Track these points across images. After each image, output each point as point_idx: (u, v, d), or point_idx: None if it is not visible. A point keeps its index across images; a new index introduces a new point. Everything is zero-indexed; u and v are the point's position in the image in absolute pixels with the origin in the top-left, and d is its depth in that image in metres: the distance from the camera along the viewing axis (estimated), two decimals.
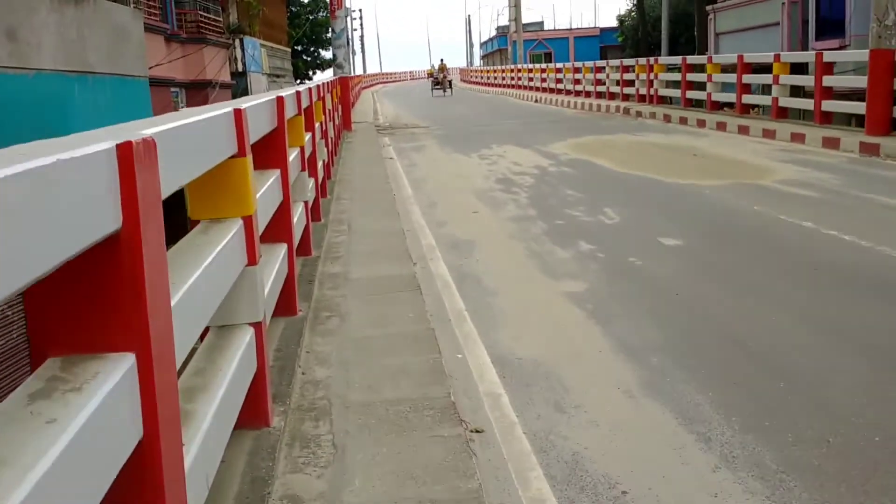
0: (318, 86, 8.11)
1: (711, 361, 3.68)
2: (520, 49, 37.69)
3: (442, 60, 35.96)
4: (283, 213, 3.86)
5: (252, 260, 2.61)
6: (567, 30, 54.90)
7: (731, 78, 16.05)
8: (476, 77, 50.66)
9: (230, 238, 2.36)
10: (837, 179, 8.59)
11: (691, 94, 17.57)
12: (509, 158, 11.75)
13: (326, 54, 41.93)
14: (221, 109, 2.48)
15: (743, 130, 13.71)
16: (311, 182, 6.13)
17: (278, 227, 3.79)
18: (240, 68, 19.03)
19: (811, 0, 18.47)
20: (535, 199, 8.24)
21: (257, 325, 2.62)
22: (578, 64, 26.19)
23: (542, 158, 11.52)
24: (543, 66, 32.34)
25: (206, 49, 16.25)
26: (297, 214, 4.87)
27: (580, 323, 4.33)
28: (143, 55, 9.94)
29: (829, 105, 12.71)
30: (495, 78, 42.16)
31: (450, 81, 36.03)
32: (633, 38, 46.98)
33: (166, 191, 1.56)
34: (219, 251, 2.19)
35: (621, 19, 50.21)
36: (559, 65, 29.30)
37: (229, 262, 2.36)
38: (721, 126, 14.58)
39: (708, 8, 23.76)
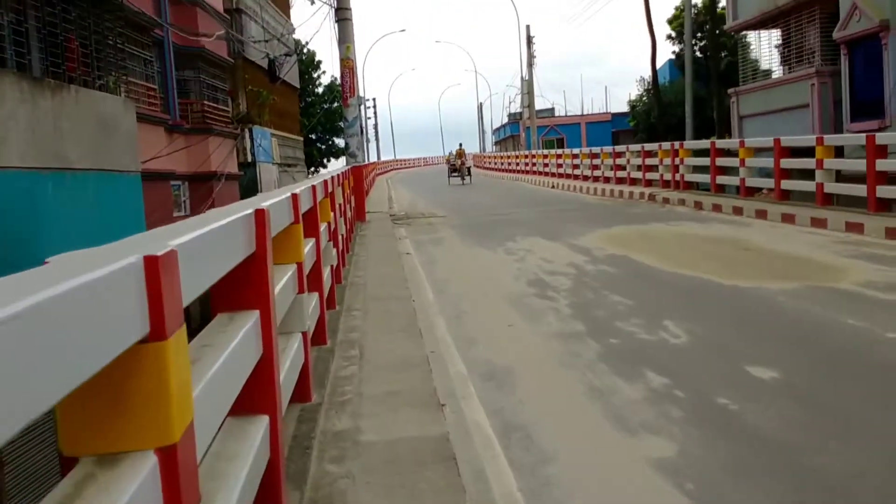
0: (324, 181, 7.11)
1: None
2: (533, 134, 37.38)
3: (461, 145, 33.58)
4: (263, 372, 2.73)
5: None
6: (579, 115, 55.10)
7: (765, 162, 15.11)
8: (490, 162, 50.50)
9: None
10: None
11: (722, 180, 16.63)
12: (538, 254, 10.66)
13: (341, 142, 41.88)
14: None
15: (788, 219, 12.62)
16: (314, 300, 5.02)
17: (257, 390, 2.68)
18: (248, 158, 18.34)
19: (844, 80, 17.73)
20: (578, 308, 7.07)
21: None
22: (596, 149, 25.51)
23: (575, 254, 10.42)
24: (558, 151, 31.80)
25: (210, 139, 15.56)
26: (292, 353, 3.75)
27: None
28: (135, 148, 9.08)
29: (884, 191, 11.64)
30: (509, 163, 41.83)
31: (468, 168, 33.46)
32: (645, 122, 46.93)
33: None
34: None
35: (633, 104, 50.28)
36: (575, 150, 28.67)
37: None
38: (761, 214, 13.51)
39: (730, 91, 23.16)
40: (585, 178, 26.25)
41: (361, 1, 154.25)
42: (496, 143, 71.59)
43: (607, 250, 10.54)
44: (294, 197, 4.15)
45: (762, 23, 21.86)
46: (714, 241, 11.09)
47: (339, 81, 15.33)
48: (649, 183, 20.24)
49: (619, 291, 7.69)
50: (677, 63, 47.60)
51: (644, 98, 48.73)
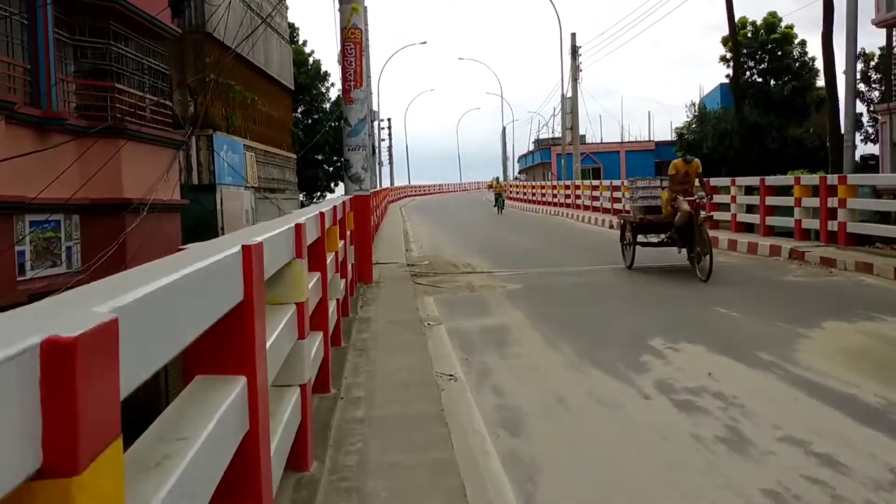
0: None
1: None
2: (576, 162, 31.62)
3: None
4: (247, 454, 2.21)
5: None
6: (618, 143, 49.41)
7: None
8: (517, 192, 44.70)
9: None
10: None
11: None
12: (743, 403, 4.83)
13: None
14: None
15: None
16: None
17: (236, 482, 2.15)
18: (204, 179, 12.65)
19: None
20: None
21: None
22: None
23: (828, 411, 4.58)
24: (615, 182, 25.95)
25: (126, 147, 9.78)
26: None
27: None
28: None
29: None
30: (543, 194, 36.02)
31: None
32: (695, 153, 41.32)
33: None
34: None
35: (680, 132, 44.63)
36: (649, 179, 22.67)
37: None
38: None
39: (879, 107, 17.34)
40: None
41: (378, 11, 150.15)
42: (521, 171, 65.89)
43: (888, 396, 4.71)
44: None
45: None
46: None
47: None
48: (770, 231, 14.44)
49: None
50: (731, 87, 42.14)
51: (693, 125, 43.23)
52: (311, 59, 39.06)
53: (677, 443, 4.26)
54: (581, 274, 11.51)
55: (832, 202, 12.65)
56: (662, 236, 11.41)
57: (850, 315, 7.60)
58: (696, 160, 11.09)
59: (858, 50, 30.71)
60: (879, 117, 17.42)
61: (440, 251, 16.08)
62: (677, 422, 4.61)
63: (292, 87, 21.40)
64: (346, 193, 10.45)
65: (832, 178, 13.03)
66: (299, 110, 40.79)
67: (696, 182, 11.05)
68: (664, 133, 55.59)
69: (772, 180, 15.27)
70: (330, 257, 5.46)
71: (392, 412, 4.65)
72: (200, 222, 12.27)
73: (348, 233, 8.41)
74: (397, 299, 9.08)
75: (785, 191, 14.75)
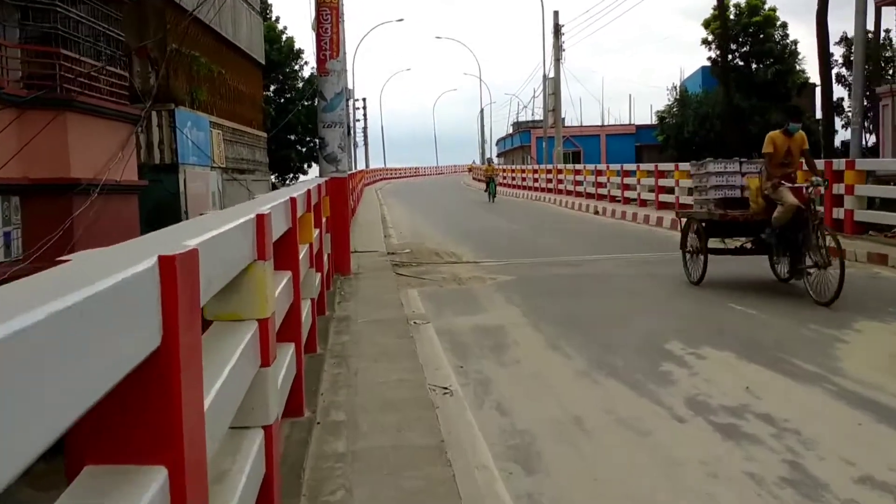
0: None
1: None
2: (558, 145, 30.81)
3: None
4: None
5: None
6: (598, 126, 48.67)
7: None
8: (498, 177, 43.75)
9: None
10: None
11: None
12: (795, 426, 4.06)
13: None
14: None
15: None
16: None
17: None
18: (166, 158, 11.58)
19: None
20: None
21: None
22: (688, 165, 18.53)
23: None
24: (599, 166, 25.20)
25: (71, 120, 8.70)
26: None
27: None
28: None
29: None
30: (524, 179, 35.19)
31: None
32: (677, 136, 40.75)
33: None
34: None
35: (661, 116, 44.01)
36: (724, 162, 21.88)
37: None
38: None
39: (880, 90, 16.70)
40: (643, 203, 19.80)
41: None
42: (500, 155, 64.92)
43: None
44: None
45: None
46: None
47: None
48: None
49: None
50: (714, 71, 41.54)
51: (674, 109, 42.62)
52: (283, 37, 37.70)
53: (731, 485, 3.46)
54: (578, 265, 10.72)
55: (838, 188, 11.98)
56: (745, 241, 8.54)
57: (882, 314, 6.88)
58: (801, 131, 7.96)
59: (840, 34, 30.09)
60: (883, 101, 16.74)
61: (421, 238, 15.22)
62: (724, 454, 3.82)
63: (263, 62, 20.19)
64: (321, 175, 9.52)
65: (839, 163, 12.36)
66: (272, 89, 39.45)
67: (803, 161, 8.18)
68: (644, 117, 54.96)
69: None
70: (303, 250, 4.59)
71: (380, 443, 3.80)
72: (162, 205, 11.25)
73: (324, 220, 7.52)
74: (379, 293, 8.21)
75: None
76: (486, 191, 28.87)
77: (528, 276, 9.77)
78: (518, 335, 6.51)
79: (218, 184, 13.81)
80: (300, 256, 4.17)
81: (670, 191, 18.36)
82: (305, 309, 4.55)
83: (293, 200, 3.97)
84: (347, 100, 34.04)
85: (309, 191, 5.26)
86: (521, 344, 6.22)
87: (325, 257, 7.02)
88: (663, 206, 18.64)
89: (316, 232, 6.09)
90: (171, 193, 11.52)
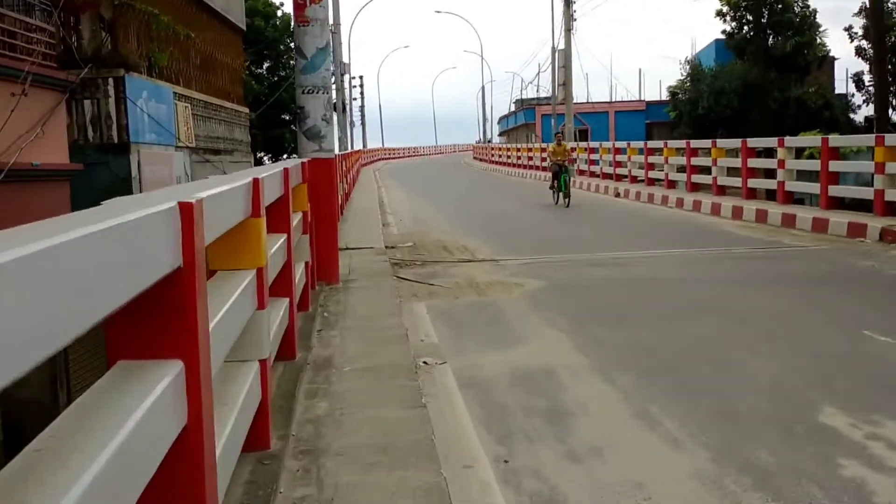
0: None
1: None
2: (569, 121, 28.55)
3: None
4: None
5: None
6: (607, 103, 46.29)
7: None
8: (499, 156, 41.56)
9: None
10: None
11: None
12: None
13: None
14: None
15: None
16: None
17: None
18: (114, 136, 9.32)
19: None
20: None
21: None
22: (727, 142, 16.26)
23: None
24: (618, 144, 22.92)
25: None
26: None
27: None
28: None
29: None
30: (530, 158, 32.95)
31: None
32: (690, 113, 38.49)
33: None
34: None
35: (673, 91, 41.70)
36: (659, 143, 19.68)
37: None
38: None
39: None
40: (672, 184, 17.64)
41: None
42: (502, 134, 62.47)
43: None
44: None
45: None
46: None
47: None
48: (833, 203, 11.67)
49: None
50: (729, 44, 39.18)
51: (687, 84, 40.28)
52: (280, 13, 35.30)
53: None
54: (622, 264, 8.60)
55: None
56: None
57: None
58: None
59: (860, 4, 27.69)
60: None
61: (424, 226, 13.12)
62: None
63: (243, 27, 17.85)
64: (299, 155, 7.34)
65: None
66: (265, 66, 37.13)
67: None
68: (654, 92, 52.57)
69: (836, 140, 12.43)
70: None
71: None
72: (111, 193, 9.08)
73: (298, 217, 5.37)
74: (375, 313, 6.07)
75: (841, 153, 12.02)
76: (551, 187, 16.74)
77: (563, 282, 7.65)
78: (581, 391, 4.39)
79: (186, 166, 11.59)
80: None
81: (705, 170, 16.26)
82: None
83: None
84: (343, 75, 31.37)
85: (257, 180, 3.09)
86: (590, 410, 4.10)
87: (296, 272, 4.88)
88: (695, 187, 16.56)
89: (279, 240, 4.03)
90: (120, 178, 9.32)
